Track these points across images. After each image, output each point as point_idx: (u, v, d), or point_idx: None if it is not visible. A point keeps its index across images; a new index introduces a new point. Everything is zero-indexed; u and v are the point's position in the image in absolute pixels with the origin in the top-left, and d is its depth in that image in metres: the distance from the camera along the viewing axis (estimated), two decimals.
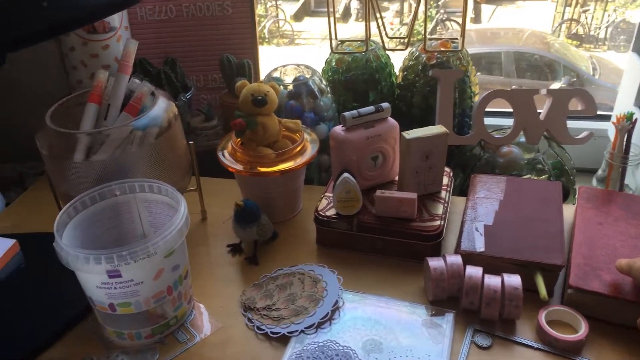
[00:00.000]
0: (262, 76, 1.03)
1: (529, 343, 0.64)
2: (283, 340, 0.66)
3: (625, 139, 0.85)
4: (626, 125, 0.84)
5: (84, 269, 0.59)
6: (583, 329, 0.63)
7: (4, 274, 0.76)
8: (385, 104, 0.81)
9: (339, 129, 0.81)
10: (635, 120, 0.84)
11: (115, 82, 0.78)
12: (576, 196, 0.84)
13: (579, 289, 0.65)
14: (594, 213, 0.77)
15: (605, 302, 0.64)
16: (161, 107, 0.76)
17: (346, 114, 0.79)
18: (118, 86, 0.78)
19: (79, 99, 0.80)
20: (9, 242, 0.77)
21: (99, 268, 0.58)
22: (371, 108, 0.80)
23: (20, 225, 0.90)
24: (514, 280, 0.65)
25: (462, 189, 0.97)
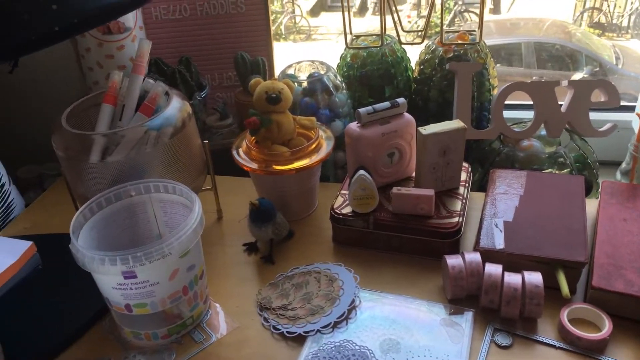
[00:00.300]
0: (277, 73, 1.02)
1: (551, 342, 0.62)
2: (299, 340, 0.65)
3: None
4: None
5: (99, 270, 0.59)
6: (607, 327, 0.61)
7: (22, 276, 0.77)
8: (401, 99, 0.80)
9: (354, 125, 0.80)
10: None
11: (129, 83, 0.78)
12: (599, 190, 0.81)
13: (602, 290, 0.63)
14: (618, 209, 0.74)
15: (631, 301, 0.62)
16: (175, 107, 0.76)
17: (361, 110, 0.78)
18: (132, 87, 0.78)
19: (94, 100, 0.81)
20: (26, 245, 0.78)
21: (114, 269, 0.58)
22: (387, 104, 0.79)
23: (39, 226, 0.91)
24: (534, 277, 0.64)
25: (481, 185, 0.95)
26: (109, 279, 0.61)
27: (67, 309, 0.72)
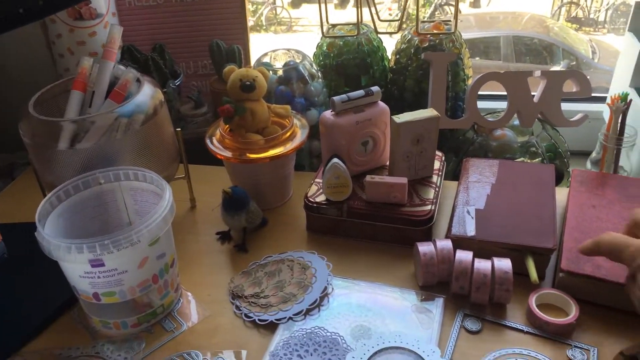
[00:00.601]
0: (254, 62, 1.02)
1: (519, 327, 0.63)
2: (271, 327, 0.65)
3: (619, 120, 0.83)
4: (620, 106, 0.82)
5: (66, 258, 0.58)
6: (574, 312, 0.62)
7: None
8: (375, 88, 0.80)
9: (328, 113, 0.79)
10: (630, 101, 0.82)
11: (99, 69, 0.77)
12: (570, 179, 0.82)
13: (570, 273, 0.64)
14: (588, 196, 0.76)
15: (598, 285, 0.63)
16: (147, 94, 0.75)
17: (335, 98, 0.77)
18: (102, 73, 0.77)
19: (63, 87, 0.79)
20: None
21: (81, 257, 0.57)
22: (361, 92, 0.79)
23: (8, 215, 0.89)
24: (504, 264, 0.64)
25: (455, 174, 0.96)
26: (76, 267, 0.60)
27: (34, 298, 0.71)
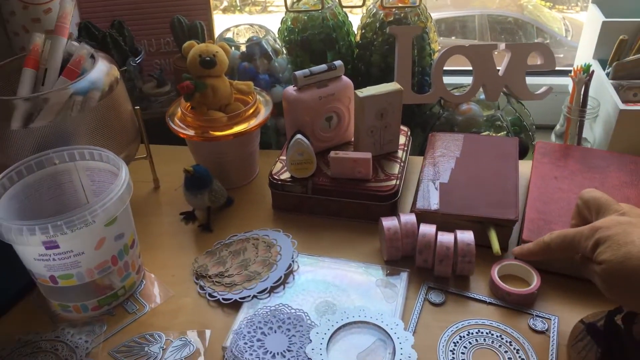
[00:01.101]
0: None
1: (482, 298, 0.63)
2: (235, 306, 0.64)
3: (582, 92, 0.84)
4: (583, 78, 0.82)
5: (18, 241, 0.56)
6: (535, 281, 0.62)
7: None
8: (338, 62, 0.79)
9: (291, 89, 0.78)
10: (592, 72, 0.83)
11: (51, 45, 0.74)
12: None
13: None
14: (550, 168, 0.76)
15: None
16: (102, 70, 0.72)
17: (297, 73, 0.76)
18: (55, 49, 0.74)
19: (14, 65, 0.76)
20: None
21: (33, 239, 0.55)
22: (323, 66, 0.78)
23: None
24: (466, 236, 0.64)
25: (422, 149, 0.95)
26: (30, 250, 0.58)
27: None
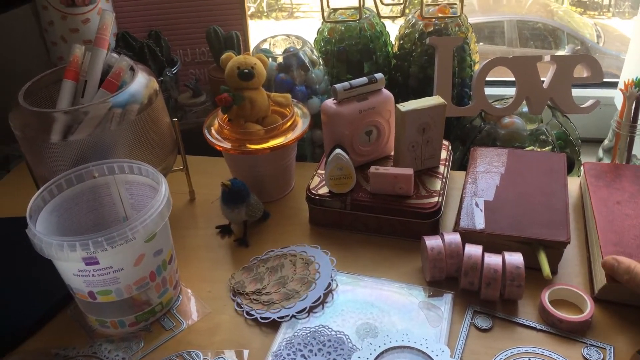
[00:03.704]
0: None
1: (532, 324, 0.60)
2: (273, 325, 0.63)
3: (633, 107, 0.80)
4: (634, 92, 0.79)
5: (58, 256, 0.55)
6: (589, 308, 0.59)
7: None
8: (378, 75, 0.77)
9: (330, 102, 0.76)
10: None
11: (91, 57, 0.74)
12: (581, 168, 0.79)
13: (616, 282, 0.59)
14: (609, 192, 0.72)
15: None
16: (141, 83, 0.72)
17: (337, 86, 0.74)
18: (95, 61, 0.74)
19: (54, 77, 0.76)
20: None
21: (74, 255, 0.55)
22: (364, 79, 0.76)
23: (3, 209, 0.86)
24: (515, 258, 0.62)
25: (462, 163, 0.93)
26: (70, 265, 0.57)
27: (28, 296, 0.69)
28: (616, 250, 0.62)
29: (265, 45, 0.94)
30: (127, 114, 0.69)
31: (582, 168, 0.79)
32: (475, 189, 0.73)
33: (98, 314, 0.62)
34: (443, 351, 0.56)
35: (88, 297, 0.60)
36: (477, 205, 0.70)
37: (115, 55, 0.75)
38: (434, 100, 0.74)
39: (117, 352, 0.62)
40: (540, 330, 0.60)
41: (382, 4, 0.99)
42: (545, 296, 0.61)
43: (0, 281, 0.71)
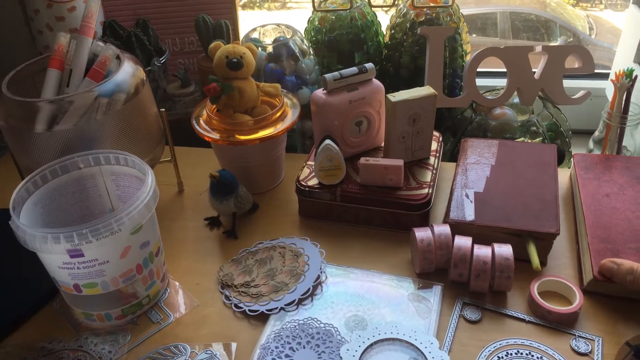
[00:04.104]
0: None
1: (521, 316, 0.60)
2: (262, 318, 0.62)
3: (624, 98, 0.80)
4: (625, 83, 0.79)
5: (42, 249, 0.54)
6: (577, 300, 0.59)
7: None
8: (369, 65, 0.76)
9: (319, 92, 0.75)
10: (636, 77, 0.79)
11: (76, 46, 0.72)
12: (572, 160, 0.79)
13: (609, 281, 0.59)
14: (597, 184, 0.71)
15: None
16: (127, 72, 0.70)
17: (327, 75, 0.73)
18: (80, 50, 0.72)
19: (39, 65, 0.75)
20: None
21: (58, 248, 0.54)
22: (354, 69, 0.75)
23: None
24: (504, 250, 0.61)
25: (453, 154, 0.92)
26: (54, 258, 0.56)
27: (13, 289, 0.68)
28: (604, 247, 0.62)
29: (255, 35, 0.92)
30: (113, 104, 0.68)
31: (572, 159, 0.78)
32: (466, 181, 0.73)
33: (84, 307, 0.62)
34: (432, 343, 0.56)
35: (73, 290, 0.59)
36: (467, 196, 0.70)
37: (101, 43, 0.74)
38: (425, 90, 0.73)
39: (104, 345, 0.61)
40: (529, 322, 0.60)
41: None
42: (535, 287, 0.61)
43: None
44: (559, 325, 0.59)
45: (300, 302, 0.63)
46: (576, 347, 0.56)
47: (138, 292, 0.62)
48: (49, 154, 0.67)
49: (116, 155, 0.65)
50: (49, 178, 0.64)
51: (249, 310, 0.63)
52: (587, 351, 0.56)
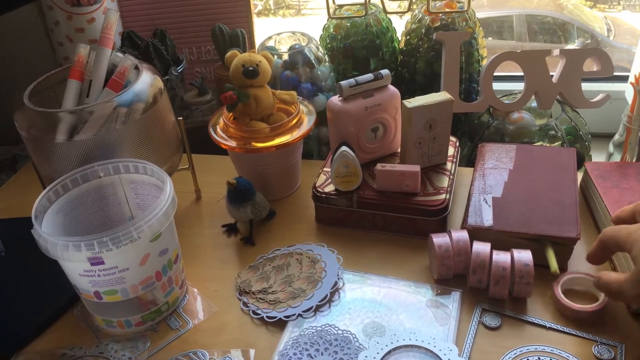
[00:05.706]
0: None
1: (541, 322, 0.59)
2: (280, 324, 0.62)
3: None
4: None
5: (63, 256, 0.55)
6: (602, 296, 0.59)
7: None
8: (384, 71, 0.76)
9: (335, 99, 0.76)
10: None
11: (96, 57, 0.73)
12: (583, 167, 0.78)
13: None
14: (618, 192, 0.70)
15: None
16: (146, 82, 0.71)
17: (343, 82, 0.74)
18: (99, 61, 0.73)
19: (59, 76, 0.76)
20: None
21: (79, 255, 0.55)
22: (370, 75, 0.75)
23: (12, 209, 0.87)
24: (524, 256, 0.61)
25: (470, 159, 0.92)
26: (75, 265, 0.57)
27: (35, 296, 0.69)
28: None
29: (271, 43, 0.93)
30: (132, 113, 0.69)
31: (584, 167, 0.77)
32: (484, 186, 0.73)
33: (104, 314, 0.62)
34: (451, 350, 0.56)
35: (94, 297, 0.60)
36: (485, 201, 0.70)
37: (119, 54, 0.75)
38: (441, 96, 0.73)
39: (124, 351, 0.61)
40: (550, 328, 0.59)
41: None
42: (559, 287, 0.60)
43: (7, 282, 0.72)
44: (582, 327, 0.58)
45: (317, 308, 0.63)
46: (599, 354, 0.55)
47: (157, 299, 0.63)
48: (69, 164, 0.68)
49: (135, 164, 0.66)
50: (69, 187, 0.65)
51: (267, 317, 0.63)
52: (609, 358, 0.55)
